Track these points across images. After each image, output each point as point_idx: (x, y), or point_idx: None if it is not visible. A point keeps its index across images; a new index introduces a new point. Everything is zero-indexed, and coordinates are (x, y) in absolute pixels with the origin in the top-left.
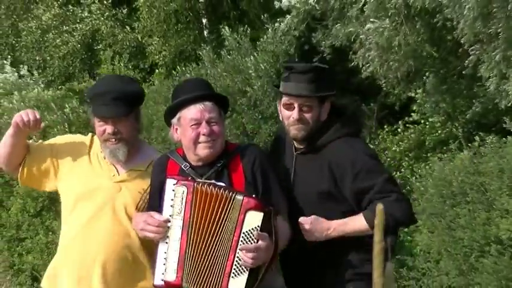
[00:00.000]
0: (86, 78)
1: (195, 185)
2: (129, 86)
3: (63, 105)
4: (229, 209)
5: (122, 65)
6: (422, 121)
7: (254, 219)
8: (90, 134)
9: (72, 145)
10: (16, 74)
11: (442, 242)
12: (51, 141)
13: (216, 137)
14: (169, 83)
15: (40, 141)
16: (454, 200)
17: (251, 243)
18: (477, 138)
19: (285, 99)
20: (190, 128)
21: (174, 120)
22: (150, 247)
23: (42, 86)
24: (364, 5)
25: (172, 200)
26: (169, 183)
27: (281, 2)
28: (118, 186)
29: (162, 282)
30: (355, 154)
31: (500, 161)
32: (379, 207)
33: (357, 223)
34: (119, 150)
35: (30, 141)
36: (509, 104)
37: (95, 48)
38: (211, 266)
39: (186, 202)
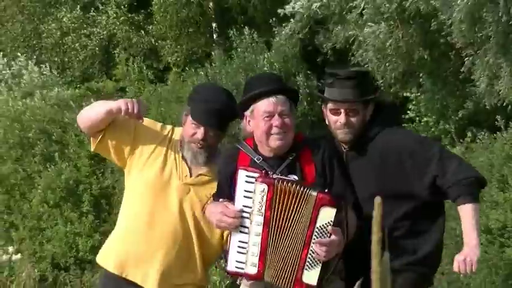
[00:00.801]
0: (103, 79)
1: (276, 182)
2: (231, 103)
3: (82, 104)
4: (304, 204)
5: (136, 66)
6: (417, 119)
7: (327, 214)
8: (170, 126)
9: (154, 133)
10: (38, 74)
11: None
12: (137, 122)
13: (288, 129)
14: (182, 83)
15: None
16: None
17: (324, 238)
18: (469, 134)
19: (330, 105)
20: (263, 120)
21: (247, 113)
22: (204, 248)
23: (62, 85)
24: (363, 9)
25: (249, 192)
26: (242, 174)
27: (285, 10)
28: (188, 188)
29: (240, 271)
30: (404, 137)
31: (490, 156)
32: (377, 200)
33: (469, 219)
34: (201, 154)
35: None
36: (498, 103)
37: (111, 51)
38: (287, 259)
39: (266, 200)
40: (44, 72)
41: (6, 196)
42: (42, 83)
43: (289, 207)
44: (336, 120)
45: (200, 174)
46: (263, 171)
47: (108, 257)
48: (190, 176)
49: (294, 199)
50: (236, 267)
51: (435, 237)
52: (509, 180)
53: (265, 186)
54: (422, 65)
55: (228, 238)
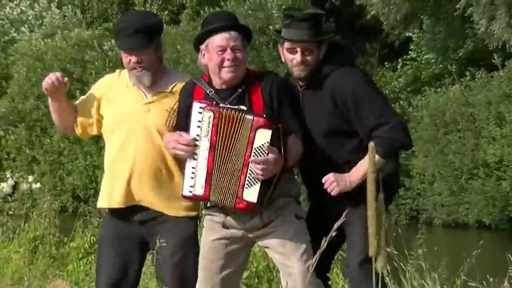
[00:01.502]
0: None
1: (221, 110)
2: (148, 19)
3: (102, 43)
4: (243, 128)
5: (153, 7)
6: (418, 58)
7: (263, 136)
8: (117, 70)
9: (104, 85)
10: (59, 15)
11: (435, 165)
12: (89, 93)
13: (239, 62)
14: (196, 24)
15: (81, 97)
16: (447, 128)
17: (262, 156)
18: (468, 73)
19: (287, 44)
20: (216, 54)
21: (203, 47)
22: (180, 159)
23: (82, 26)
24: None
25: (199, 122)
26: (196, 106)
27: None
28: (147, 107)
29: (190, 194)
30: (353, 82)
31: (488, 94)
32: (371, 144)
33: (366, 167)
34: (144, 76)
35: (77, 101)
36: (496, 44)
37: None
38: (230, 180)
39: (212, 126)
40: (66, 14)
41: (28, 131)
42: (63, 24)
43: (231, 132)
44: (293, 59)
45: (158, 92)
46: (213, 102)
47: (100, 198)
48: (146, 97)
49: (235, 124)
50: (189, 191)
51: (388, 167)
52: (506, 117)
53: (211, 114)
54: (424, 7)
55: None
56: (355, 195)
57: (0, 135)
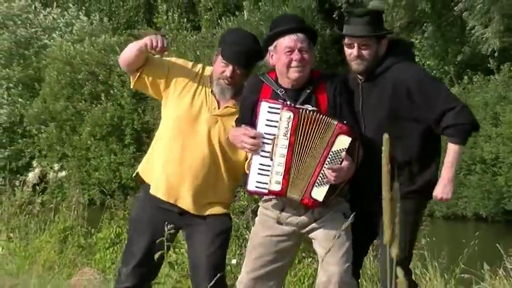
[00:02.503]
0: (145, 27)
1: (300, 111)
2: (259, 46)
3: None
4: (324, 130)
5: (175, 16)
6: (421, 62)
7: (343, 142)
8: (201, 65)
9: (187, 71)
10: (87, 23)
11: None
12: (171, 59)
13: (306, 63)
14: (215, 31)
15: (158, 56)
16: None
17: (338, 161)
18: (466, 76)
19: (346, 39)
20: (285, 55)
21: (271, 48)
22: (230, 171)
23: (109, 32)
24: None
25: (274, 121)
26: (265, 105)
27: None
28: (216, 118)
29: (256, 189)
30: (416, 71)
31: (485, 95)
32: (385, 136)
33: (454, 156)
34: (229, 90)
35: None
36: (490, 49)
37: (153, 3)
38: (303, 177)
39: (292, 126)
40: (94, 21)
41: (59, 130)
42: (91, 30)
43: (311, 132)
44: (350, 53)
45: (227, 107)
46: (284, 102)
47: (146, 175)
48: (218, 108)
49: (316, 126)
50: (256, 186)
51: (434, 167)
52: (501, 117)
53: (291, 114)
54: (425, 15)
55: (249, 163)
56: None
57: (33, 133)
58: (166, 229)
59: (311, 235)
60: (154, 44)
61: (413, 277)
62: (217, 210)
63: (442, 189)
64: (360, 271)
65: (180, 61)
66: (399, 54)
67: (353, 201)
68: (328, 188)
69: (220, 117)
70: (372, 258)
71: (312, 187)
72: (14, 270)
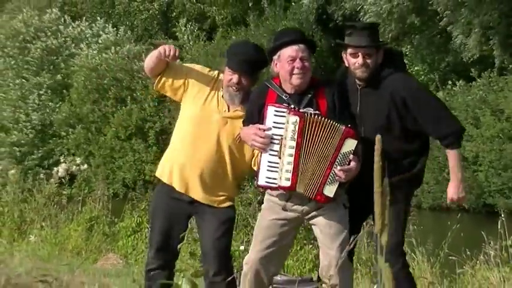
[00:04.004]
0: (163, 37)
1: (305, 115)
2: (263, 55)
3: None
4: (333, 134)
5: (189, 27)
6: (410, 69)
7: (350, 144)
8: (217, 71)
9: (203, 76)
10: (114, 33)
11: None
12: (189, 65)
13: (306, 70)
14: (226, 41)
15: (179, 61)
16: None
17: (346, 162)
18: (450, 82)
19: (350, 49)
20: (288, 63)
21: (275, 57)
22: (236, 169)
23: (132, 42)
24: None
25: (276, 123)
26: (271, 109)
27: None
28: (225, 120)
29: (267, 184)
30: (411, 84)
31: (466, 99)
32: (378, 137)
33: (457, 158)
34: (237, 96)
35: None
36: (472, 57)
37: (169, 15)
38: (314, 175)
39: (298, 128)
40: (119, 32)
41: (85, 131)
42: (115, 40)
43: (317, 134)
44: (355, 62)
45: (236, 110)
46: (289, 106)
47: (162, 171)
48: (228, 111)
49: (321, 128)
50: (266, 182)
51: (422, 160)
52: (481, 118)
53: (297, 118)
54: (414, 27)
55: (257, 161)
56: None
57: (62, 135)
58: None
59: (312, 221)
60: (167, 53)
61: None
62: (223, 203)
63: (455, 190)
64: (354, 258)
65: (198, 67)
66: (396, 65)
67: (352, 194)
68: (338, 185)
69: (229, 119)
70: (366, 245)
71: (324, 185)
72: (46, 256)
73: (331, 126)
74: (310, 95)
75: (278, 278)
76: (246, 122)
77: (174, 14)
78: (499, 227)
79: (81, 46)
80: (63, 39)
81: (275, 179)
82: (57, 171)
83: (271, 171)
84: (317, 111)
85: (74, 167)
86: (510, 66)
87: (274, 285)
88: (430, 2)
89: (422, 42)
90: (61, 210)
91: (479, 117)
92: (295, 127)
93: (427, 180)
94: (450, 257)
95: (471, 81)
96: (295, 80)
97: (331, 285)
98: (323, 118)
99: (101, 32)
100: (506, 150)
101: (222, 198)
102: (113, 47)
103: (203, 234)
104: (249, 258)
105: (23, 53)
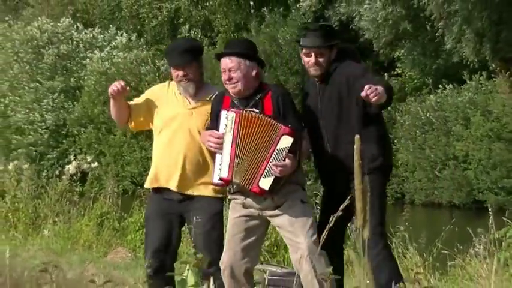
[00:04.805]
0: (170, 42)
1: (242, 111)
2: (192, 42)
3: (154, 60)
4: (270, 131)
5: (192, 33)
6: (403, 74)
7: (286, 142)
8: (167, 81)
9: (156, 92)
10: (126, 39)
11: (415, 158)
12: (142, 96)
13: (236, 80)
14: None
15: (135, 99)
16: (424, 128)
17: (281, 157)
18: (441, 85)
19: (304, 49)
20: (223, 74)
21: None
22: (212, 153)
23: (139, 47)
24: None
25: (225, 123)
26: (224, 112)
27: None
28: (190, 112)
29: (219, 181)
30: (353, 67)
31: (457, 100)
32: (357, 136)
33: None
34: (189, 86)
35: (130, 102)
36: (464, 62)
37: (176, 22)
38: (250, 167)
39: (234, 123)
40: (132, 38)
41: (96, 131)
42: (124, 45)
43: (253, 128)
44: (308, 61)
45: (198, 100)
46: (236, 107)
47: (149, 180)
48: (190, 103)
49: (257, 123)
50: (217, 179)
51: (385, 142)
52: (471, 119)
53: (233, 114)
54: (407, 33)
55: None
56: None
57: (74, 134)
58: (194, 218)
59: (276, 223)
60: (115, 89)
61: (388, 241)
62: (208, 192)
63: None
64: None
65: (150, 90)
66: (344, 58)
67: (327, 184)
68: (273, 179)
69: (193, 110)
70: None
71: (260, 178)
72: (59, 249)
73: (268, 123)
74: (257, 98)
75: (278, 270)
76: (209, 126)
77: (181, 20)
78: (489, 222)
79: (94, 52)
80: (75, 43)
81: (219, 173)
82: (68, 169)
83: (220, 167)
84: (257, 110)
85: (85, 165)
86: (498, 69)
87: (274, 278)
88: (422, 8)
89: (415, 47)
90: (73, 206)
91: (470, 118)
92: (232, 122)
93: (419, 178)
94: (442, 251)
95: (462, 84)
96: (230, 89)
97: (304, 274)
98: (259, 114)
99: (111, 38)
100: (495, 149)
101: (206, 186)
102: (121, 53)
103: (194, 227)
104: (222, 258)
105: (37, 58)
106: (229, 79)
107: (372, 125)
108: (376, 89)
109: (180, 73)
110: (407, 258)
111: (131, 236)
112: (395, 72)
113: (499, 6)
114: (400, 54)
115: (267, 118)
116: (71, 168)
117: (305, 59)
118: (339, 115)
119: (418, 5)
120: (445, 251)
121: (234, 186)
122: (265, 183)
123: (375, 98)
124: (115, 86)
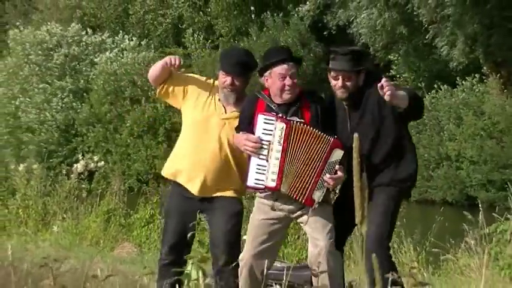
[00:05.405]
0: (174, 46)
1: (292, 124)
2: (250, 58)
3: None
4: (321, 144)
5: (196, 37)
6: (398, 76)
7: (337, 154)
8: (212, 79)
9: (201, 83)
10: (135, 43)
11: None
12: (189, 75)
13: (295, 86)
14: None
15: (183, 70)
16: (418, 128)
17: (333, 170)
18: (435, 87)
19: (332, 72)
20: (279, 80)
21: (267, 74)
22: (240, 165)
23: (146, 50)
24: None
25: (269, 130)
26: (261, 117)
27: None
28: (223, 122)
29: (255, 185)
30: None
31: (450, 100)
32: (355, 135)
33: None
34: (231, 96)
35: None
36: (456, 65)
37: (180, 27)
38: (301, 179)
39: (285, 134)
40: (141, 43)
41: (103, 130)
42: (132, 48)
43: (303, 141)
44: (335, 84)
45: (233, 111)
46: (277, 114)
47: (167, 169)
48: (225, 113)
49: (308, 136)
50: (255, 183)
51: (413, 159)
52: (464, 118)
53: (283, 125)
54: (402, 37)
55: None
56: (370, 193)
57: (83, 133)
58: (197, 215)
59: (300, 219)
60: (172, 62)
61: (391, 252)
62: (228, 193)
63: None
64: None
65: (196, 76)
66: (372, 83)
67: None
68: (326, 191)
69: (227, 120)
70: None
71: (313, 191)
72: (67, 244)
73: (318, 136)
74: (296, 106)
75: (278, 264)
76: (239, 128)
77: (185, 25)
78: (480, 218)
79: (103, 55)
80: (84, 45)
81: (262, 180)
82: (76, 167)
83: (259, 173)
84: (302, 120)
85: (92, 164)
86: (489, 72)
87: (274, 272)
88: (416, 13)
89: (409, 51)
90: (81, 203)
91: (462, 117)
92: (281, 133)
93: None
94: (434, 248)
95: (455, 86)
96: (286, 95)
97: (320, 272)
98: (309, 127)
99: (120, 41)
100: (486, 148)
101: (227, 190)
102: (130, 54)
103: (213, 227)
104: (243, 256)
105: (47, 60)
106: (292, 85)
107: (409, 144)
108: (391, 85)
109: (229, 81)
110: (402, 253)
111: (137, 231)
112: (390, 75)
113: (490, 11)
114: (394, 58)
115: (316, 131)
116: (79, 167)
117: (333, 82)
118: (374, 139)
119: (413, 9)
120: (437, 249)
121: (275, 193)
122: (318, 195)
123: (388, 92)
124: (174, 59)
